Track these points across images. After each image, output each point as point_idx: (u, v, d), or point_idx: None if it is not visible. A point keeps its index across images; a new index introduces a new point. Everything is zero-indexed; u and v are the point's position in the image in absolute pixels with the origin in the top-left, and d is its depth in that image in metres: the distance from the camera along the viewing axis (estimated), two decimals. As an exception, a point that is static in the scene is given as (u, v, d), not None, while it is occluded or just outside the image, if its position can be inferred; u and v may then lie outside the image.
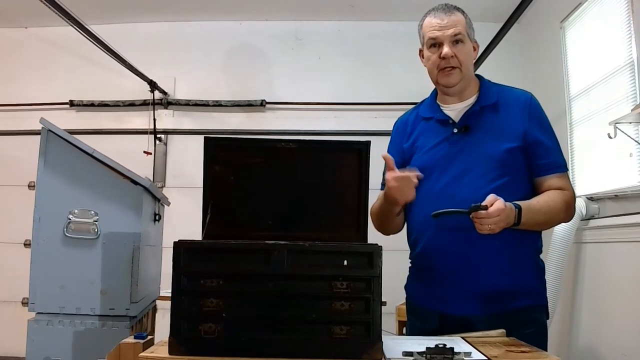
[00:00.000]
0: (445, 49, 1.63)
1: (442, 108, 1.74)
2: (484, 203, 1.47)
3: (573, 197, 1.65)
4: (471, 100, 1.71)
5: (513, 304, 1.59)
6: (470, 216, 1.49)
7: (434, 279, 1.66)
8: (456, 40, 1.64)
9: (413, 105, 1.88)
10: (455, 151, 1.65)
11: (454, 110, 1.72)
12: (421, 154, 1.71)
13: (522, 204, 1.54)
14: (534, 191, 1.64)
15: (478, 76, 1.78)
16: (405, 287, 1.82)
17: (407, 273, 1.83)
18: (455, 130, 1.67)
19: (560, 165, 1.65)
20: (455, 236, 1.58)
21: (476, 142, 1.64)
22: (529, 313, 1.62)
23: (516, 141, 1.62)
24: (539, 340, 1.56)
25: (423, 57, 1.74)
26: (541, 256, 1.72)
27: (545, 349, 1.57)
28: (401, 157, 1.76)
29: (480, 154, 1.62)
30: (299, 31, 4.57)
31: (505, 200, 1.50)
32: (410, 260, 1.80)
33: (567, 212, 1.63)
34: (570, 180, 1.72)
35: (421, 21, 1.73)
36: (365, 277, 1.22)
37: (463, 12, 1.69)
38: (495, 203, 1.47)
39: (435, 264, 1.64)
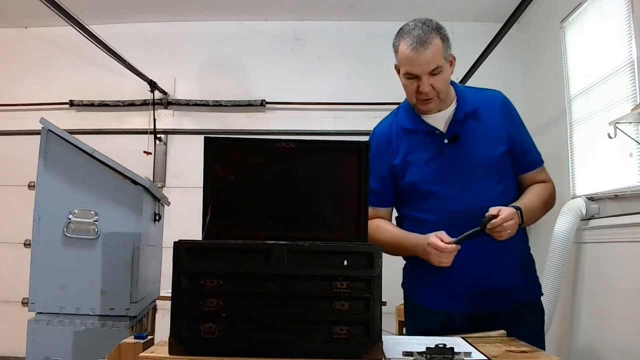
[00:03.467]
0: (423, 87, 1.60)
1: (423, 118, 1.72)
2: (488, 214, 1.53)
3: (553, 188, 1.76)
4: (451, 108, 1.70)
5: (510, 300, 1.63)
6: (487, 230, 1.54)
7: (433, 276, 1.67)
8: (434, 73, 1.60)
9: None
10: (451, 162, 1.66)
11: (437, 119, 1.71)
12: (417, 168, 1.69)
13: (520, 204, 1.61)
14: (520, 187, 1.73)
15: (451, 83, 1.74)
16: (403, 285, 1.83)
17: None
18: (446, 141, 1.68)
19: (539, 160, 1.75)
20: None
21: (468, 151, 1.67)
22: (525, 308, 1.67)
23: (504, 145, 1.67)
24: (536, 333, 1.63)
25: (399, 74, 1.69)
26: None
27: (543, 341, 1.65)
28: (391, 173, 1.73)
29: (475, 162, 1.65)
30: (299, 31, 4.56)
31: (507, 202, 1.60)
32: (405, 260, 1.81)
33: (550, 202, 1.74)
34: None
35: (396, 40, 1.65)
36: (365, 277, 1.22)
37: (439, 32, 1.60)
38: (502, 209, 1.53)
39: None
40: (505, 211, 1.53)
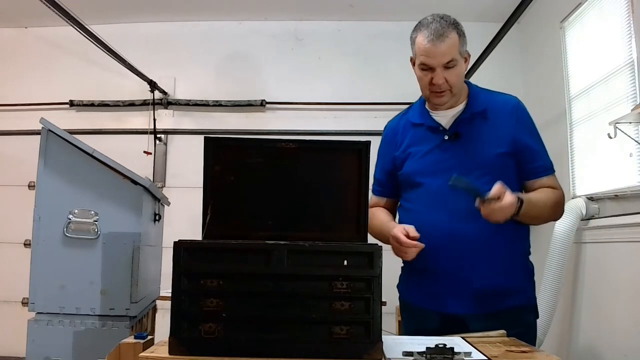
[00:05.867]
0: (436, 79, 1.63)
1: (431, 114, 1.75)
2: (491, 194, 1.48)
3: (563, 197, 1.70)
4: (460, 107, 1.73)
5: (503, 304, 1.63)
6: (476, 205, 1.50)
7: (427, 278, 1.68)
8: (448, 66, 1.63)
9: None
10: (446, 157, 1.67)
11: (444, 116, 1.73)
12: (413, 160, 1.73)
13: (523, 197, 1.57)
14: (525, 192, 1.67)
15: (466, 82, 1.78)
16: (398, 287, 1.83)
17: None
18: (446, 137, 1.69)
19: (548, 168, 1.70)
20: (449, 237, 1.61)
21: (466, 149, 1.67)
22: (518, 313, 1.65)
23: (505, 147, 1.65)
24: (527, 341, 1.59)
25: (414, 66, 1.72)
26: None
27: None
28: (392, 164, 1.79)
29: (470, 159, 1.65)
30: (299, 31, 4.56)
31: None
32: (402, 263, 1.81)
33: (557, 209, 1.68)
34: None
35: (414, 33, 1.68)
36: (365, 277, 1.22)
37: (456, 28, 1.63)
38: (506, 195, 1.49)
39: (429, 263, 1.65)
40: (508, 199, 1.48)
